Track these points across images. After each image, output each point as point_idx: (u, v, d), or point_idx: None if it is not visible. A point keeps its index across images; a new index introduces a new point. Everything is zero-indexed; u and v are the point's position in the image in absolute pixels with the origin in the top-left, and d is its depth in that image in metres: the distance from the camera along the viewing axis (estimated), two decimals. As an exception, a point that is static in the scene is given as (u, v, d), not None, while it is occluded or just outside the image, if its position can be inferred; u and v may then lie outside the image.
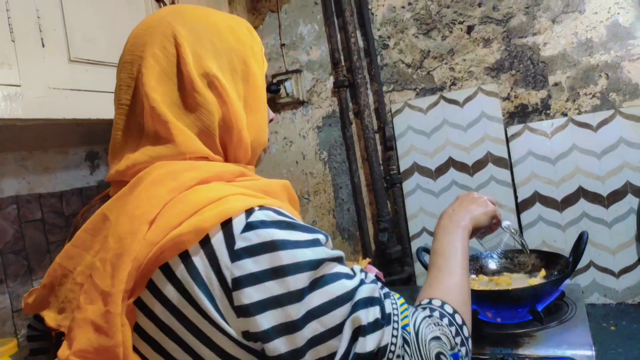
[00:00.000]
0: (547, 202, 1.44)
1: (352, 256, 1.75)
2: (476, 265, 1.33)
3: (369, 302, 0.55)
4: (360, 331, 0.53)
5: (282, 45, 1.78)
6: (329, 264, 0.55)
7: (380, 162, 1.66)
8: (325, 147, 1.76)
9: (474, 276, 1.32)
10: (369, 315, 0.54)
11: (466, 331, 0.62)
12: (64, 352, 0.52)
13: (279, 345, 0.51)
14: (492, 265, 1.32)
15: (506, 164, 1.48)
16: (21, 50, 0.95)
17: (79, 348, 0.51)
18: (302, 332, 0.52)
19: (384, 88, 1.64)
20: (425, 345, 0.57)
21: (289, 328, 0.51)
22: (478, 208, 0.87)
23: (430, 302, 0.64)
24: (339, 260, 0.57)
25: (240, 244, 0.52)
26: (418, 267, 1.61)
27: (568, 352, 0.96)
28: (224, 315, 0.52)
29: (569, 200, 1.42)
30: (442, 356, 0.57)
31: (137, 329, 0.54)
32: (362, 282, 0.56)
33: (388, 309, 0.56)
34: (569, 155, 1.41)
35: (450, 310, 0.63)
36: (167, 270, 0.53)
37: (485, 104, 1.49)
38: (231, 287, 0.51)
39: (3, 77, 0.92)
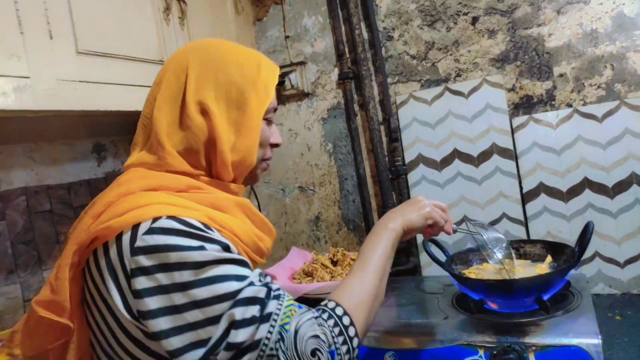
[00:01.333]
0: (552, 192, 1.44)
1: (357, 247, 1.76)
2: (482, 254, 1.33)
3: (250, 301, 0.66)
4: (233, 325, 0.65)
5: (287, 37, 1.78)
6: (220, 266, 0.67)
7: (386, 153, 1.67)
8: (330, 138, 1.77)
9: (478, 265, 1.32)
10: (246, 312, 0.65)
11: (352, 331, 0.71)
12: (34, 299, 0.72)
13: (161, 322, 0.65)
14: (499, 254, 1.33)
15: (511, 155, 1.48)
16: (30, 42, 0.96)
17: (39, 299, 0.71)
18: (182, 315, 0.65)
19: (389, 80, 1.64)
20: (302, 342, 0.67)
21: (172, 310, 0.65)
22: (412, 210, 0.91)
23: (326, 304, 0.74)
24: (234, 262, 0.69)
25: (139, 243, 0.66)
26: (423, 258, 1.61)
27: (575, 341, 0.97)
28: (124, 295, 0.67)
29: (574, 191, 1.42)
30: (317, 352, 0.67)
31: (84, 291, 0.74)
32: (250, 284, 0.68)
33: (270, 309, 0.67)
34: (574, 146, 1.41)
35: (340, 312, 0.72)
36: (95, 254, 0.70)
37: (490, 95, 1.50)
38: (130, 274, 0.66)
39: (12, 68, 0.92)
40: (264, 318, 0.66)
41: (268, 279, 0.73)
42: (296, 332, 0.67)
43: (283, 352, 0.65)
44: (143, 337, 0.68)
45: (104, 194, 0.74)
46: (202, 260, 0.66)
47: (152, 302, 0.65)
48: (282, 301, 0.69)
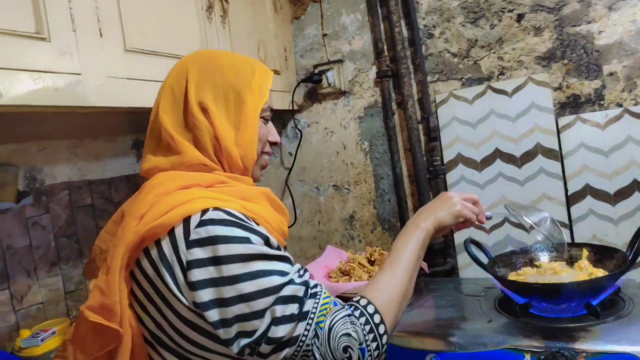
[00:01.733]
0: (599, 195, 1.40)
1: (392, 247, 1.74)
2: (525, 258, 1.30)
3: (289, 299, 0.71)
4: (273, 321, 0.69)
5: (324, 35, 1.77)
6: (263, 261, 0.71)
7: (424, 152, 1.64)
8: (366, 137, 1.75)
9: (518, 270, 1.29)
10: (286, 310, 0.70)
11: (382, 329, 0.75)
12: (83, 306, 0.74)
13: (213, 314, 0.69)
14: (544, 258, 1.29)
15: (556, 155, 1.44)
16: (81, 40, 0.98)
17: (89, 304, 0.73)
18: (230, 308, 0.69)
19: (429, 78, 1.62)
20: (335, 339, 0.71)
21: (221, 303, 0.69)
22: (443, 208, 0.92)
23: (358, 301, 0.77)
24: (276, 258, 0.73)
25: (193, 236, 0.70)
26: (461, 259, 1.59)
27: (629, 349, 0.93)
28: (180, 288, 0.70)
29: (622, 194, 1.37)
30: (349, 349, 0.71)
31: (133, 293, 0.76)
32: (290, 282, 0.72)
33: (307, 307, 0.72)
34: (624, 147, 1.37)
35: (371, 310, 0.76)
36: (147, 253, 0.73)
37: (535, 94, 1.46)
38: (186, 267, 0.70)
39: (65, 66, 0.94)
40: (302, 316, 0.71)
41: (307, 275, 0.77)
42: (330, 329, 0.71)
43: (317, 347, 0.70)
44: (204, 324, 0.71)
45: (137, 199, 0.77)
46: (247, 253, 0.70)
47: (205, 295, 0.69)
48: (319, 299, 0.74)
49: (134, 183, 1.66)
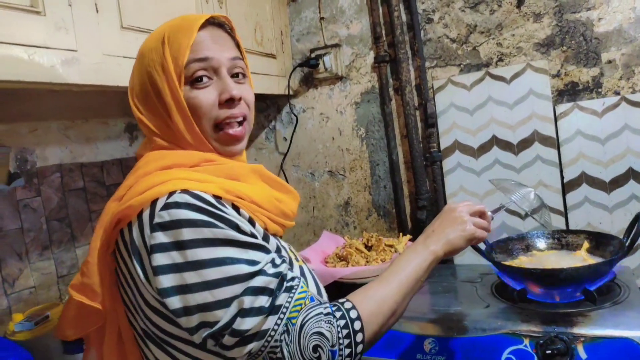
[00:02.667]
0: (595, 183, 1.41)
1: (387, 233, 1.74)
2: (522, 244, 1.31)
3: (260, 291, 0.66)
4: (240, 312, 0.65)
5: (322, 18, 1.75)
6: (230, 247, 0.67)
7: (420, 139, 1.64)
8: (362, 123, 1.74)
9: (515, 258, 1.30)
10: (255, 302, 0.65)
11: (359, 337, 0.70)
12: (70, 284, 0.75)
13: (174, 302, 0.66)
14: (540, 244, 1.30)
15: (553, 143, 1.45)
16: (77, 15, 0.95)
17: (73, 283, 0.75)
18: (193, 295, 0.65)
19: (427, 64, 1.61)
20: (306, 337, 0.66)
21: (184, 289, 0.65)
22: (455, 231, 0.88)
23: (342, 303, 0.73)
24: (247, 246, 0.68)
25: (157, 219, 0.67)
26: (456, 246, 1.59)
27: (627, 333, 0.94)
28: (146, 272, 0.68)
29: (617, 182, 1.38)
30: (319, 349, 0.66)
31: (117, 274, 0.75)
32: (261, 272, 0.67)
33: (279, 301, 0.67)
34: (620, 136, 1.37)
35: (354, 315, 0.71)
36: (122, 235, 0.72)
37: (533, 81, 1.45)
38: (149, 251, 0.67)
39: (61, 41, 0.91)
40: (273, 310, 0.66)
41: (283, 266, 0.71)
42: (302, 326, 0.67)
43: (287, 344, 0.66)
44: (170, 312, 0.68)
45: (124, 181, 0.76)
46: (213, 237, 0.66)
47: (166, 280, 0.66)
48: (294, 293, 0.69)
49: (126, 166, 1.63)
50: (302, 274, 0.78)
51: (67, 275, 1.44)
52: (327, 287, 0.93)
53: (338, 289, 1.25)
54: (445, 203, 1.60)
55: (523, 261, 1.26)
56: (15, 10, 0.83)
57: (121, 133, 1.63)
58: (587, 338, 0.97)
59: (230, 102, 0.76)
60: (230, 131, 0.78)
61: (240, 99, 0.77)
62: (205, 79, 0.76)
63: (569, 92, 1.45)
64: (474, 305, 1.19)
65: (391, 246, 1.45)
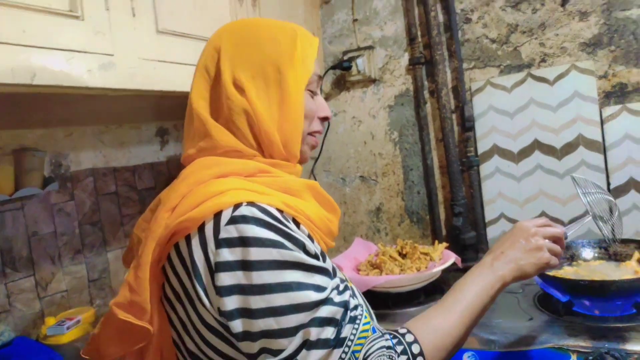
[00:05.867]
0: (645, 189, 1.34)
1: (420, 240, 1.69)
2: (566, 253, 1.25)
3: (326, 322, 0.62)
4: (306, 344, 0.61)
5: (355, 20, 1.72)
6: (298, 271, 0.63)
7: (457, 143, 1.59)
8: (396, 127, 1.70)
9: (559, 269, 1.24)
10: (322, 333, 0.62)
11: None
12: (112, 301, 0.68)
13: (237, 325, 0.62)
14: (587, 254, 1.24)
15: (599, 147, 1.38)
16: (114, 20, 0.94)
17: (118, 301, 0.67)
18: (257, 321, 0.61)
19: (464, 65, 1.56)
20: None
21: (248, 313, 0.61)
22: (529, 258, 0.80)
23: (403, 335, 0.68)
24: (314, 269, 0.64)
25: (222, 234, 0.63)
26: (494, 255, 1.53)
27: (689, 352, 0.88)
28: (207, 291, 0.64)
29: (670, 189, 1.31)
30: None
31: (163, 289, 0.70)
32: (328, 301, 0.63)
33: (345, 333, 0.63)
34: (673, 140, 1.30)
35: (416, 351, 0.66)
36: (177, 249, 0.67)
37: (578, 83, 1.39)
38: (214, 269, 0.63)
39: (99, 46, 0.90)
40: (338, 342, 0.62)
41: (346, 294, 0.68)
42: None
43: None
44: (229, 335, 0.65)
45: (172, 188, 0.71)
46: (281, 259, 0.62)
47: (230, 303, 0.62)
48: (359, 325, 0.65)
49: (157, 171, 1.63)
50: (354, 294, 0.73)
51: (98, 280, 1.44)
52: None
53: (371, 298, 1.21)
54: (482, 210, 1.55)
55: (568, 272, 1.20)
56: (55, 15, 0.83)
57: (152, 137, 1.63)
58: (642, 356, 0.91)
59: (325, 120, 0.82)
60: (318, 138, 0.83)
61: None
62: (315, 94, 0.81)
63: (616, 94, 1.38)
64: (516, 317, 1.14)
65: (426, 254, 1.40)
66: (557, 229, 0.86)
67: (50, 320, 1.24)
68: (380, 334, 0.67)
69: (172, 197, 0.68)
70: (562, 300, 1.10)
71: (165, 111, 1.58)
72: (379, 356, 0.64)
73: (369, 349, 0.64)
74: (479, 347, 1.07)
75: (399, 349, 0.66)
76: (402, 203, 1.72)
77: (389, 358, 0.64)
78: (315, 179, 1.85)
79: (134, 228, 0.77)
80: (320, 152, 1.82)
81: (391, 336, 0.67)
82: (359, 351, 0.63)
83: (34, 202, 1.28)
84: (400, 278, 1.29)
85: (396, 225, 1.74)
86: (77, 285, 1.39)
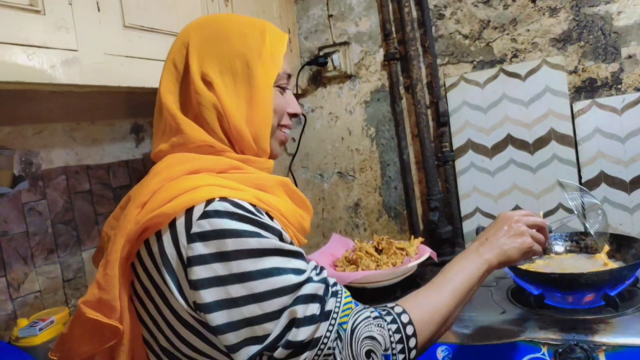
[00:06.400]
0: (614, 182, 1.36)
1: (398, 235, 1.70)
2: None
3: (310, 298, 0.64)
4: (294, 322, 0.62)
5: (330, 16, 1.71)
6: (276, 257, 0.64)
7: (432, 138, 1.60)
8: (372, 122, 1.70)
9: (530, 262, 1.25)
10: (307, 310, 0.63)
11: (412, 342, 0.67)
12: (80, 300, 0.67)
13: (218, 317, 0.61)
14: (558, 248, 1.26)
15: (570, 141, 1.40)
16: (78, 14, 0.92)
17: (86, 299, 0.67)
18: (239, 309, 0.61)
19: (438, 61, 1.56)
20: (357, 342, 0.64)
21: (229, 303, 0.61)
22: (512, 243, 0.84)
23: (392, 308, 0.70)
24: (292, 254, 0.66)
25: (195, 229, 0.63)
26: (470, 249, 1.54)
27: (653, 342, 0.90)
28: (180, 286, 0.63)
29: (639, 182, 1.33)
30: (372, 354, 0.64)
31: (132, 287, 0.69)
32: (309, 280, 0.65)
33: (329, 306, 0.65)
34: (641, 133, 1.32)
35: (405, 320, 0.68)
36: (147, 245, 0.66)
37: (549, 78, 1.41)
38: (186, 263, 0.62)
39: (61, 41, 0.89)
40: (324, 316, 0.64)
41: (324, 272, 0.70)
42: (353, 330, 0.65)
43: (339, 351, 0.64)
44: (204, 330, 0.65)
45: (142, 184, 0.70)
46: (259, 247, 0.63)
47: (208, 295, 0.62)
48: (341, 298, 0.67)
49: (133, 168, 1.61)
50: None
51: (73, 279, 1.42)
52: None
53: (348, 294, 1.22)
54: (458, 204, 1.56)
55: (540, 265, 1.22)
56: (14, 9, 0.81)
57: (127, 134, 1.61)
58: (609, 346, 0.93)
59: (294, 116, 0.83)
60: (287, 133, 0.83)
61: None
62: (285, 90, 0.81)
63: (586, 89, 1.40)
64: (489, 310, 1.15)
65: (402, 249, 1.41)
66: (539, 219, 0.89)
67: (23, 322, 1.22)
68: (363, 306, 0.70)
69: (142, 193, 0.67)
70: (535, 293, 1.12)
71: (140, 108, 1.56)
72: (367, 325, 0.66)
73: (356, 319, 0.66)
74: (452, 340, 1.08)
75: (388, 318, 0.68)
76: (379, 198, 1.73)
77: (378, 326, 0.66)
78: (293, 176, 1.85)
79: (104, 226, 0.77)
80: (297, 148, 1.82)
81: (378, 309, 0.70)
82: (346, 322, 0.65)
83: (4, 201, 1.25)
84: (376, 273, 1.30)
85: (374, 220, 1.75)
86: (51, 286, 1.37)
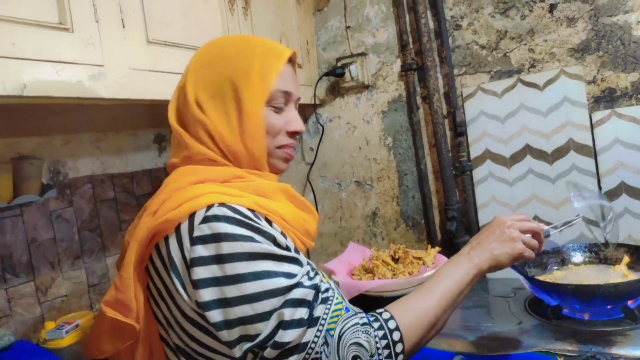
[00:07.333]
0: (635, 193, 1.34)
1: (416, 244, 1.70)
2: (557, 258, 1.26)
3: (298, 303, 0.67)
4: (281, 325, 0.66)
5: (347, 27, 1.74)
6: (268, 261, 0.68)
7: (449, 148, 1.60)
8: (390, 132, 1.72)
9: (550, 273, 1.24)
10: (295, 314, 0.67)
11: (399, 347, 0.70)
12: (102, 300, 0.74)
13: (215, 315, 0.67)
14: (577, 259, 1.25)
15: (590, 152, 1.38)
16: (104, 31, 0.96)
17: (106, 299, 0.74)
18: (233, 309, 0.66)
19: (455, 71, 1.57)
20: (344, 348, 0.67)
21: (224, 303, 0.66)
22: (503, 248, 0.84)
23: (380, 314, 0.73)
24: (284, 259, 0.69)
25: (196, 232, 0.68)
26: (487, 259, 1.54)
27: (672, 355, 0.88)
28: (185, 285, 0.69)
29: (660, 192, 1.31)
30: (358, 359, 0.67)
31: (148, 289, 0.75)
32: (298, 285, 0.68)
33: (318, 313, 0.68)
34: (662, 143, 1.30)
35: (392, 326, 0.71)
36: (158, 249, 0.72)
37: (568, 88, 1.40)
38: (189, 264, 0.68)
39: (88, 57, 0.93)
40: (312, 321, 0.67)
41: (317, 278, 0.72)
42: (340, 337, 0.68)
43: (327, 355, 0.67)
44: (210, 326, 0.69)
45: (155, 195, 0.77)
46: (252, 251, 0.67)
47: (207, 294, 0.67)
48: (330, 305, 0.70)
49: (155, 177, 1.66)
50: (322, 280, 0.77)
51: (97, 285, 1.46)
52: (352, 301, 0.91)
53: (364, 302, 1.23)
54: (475, 214, 1.56)
55: (558, 276, 1.21)
56: (45, 27, 0.86)
57: (150, 144, 1.66)
58: (627, 359, 0.92)
59: (296, 134, 0.84)
60: (290, 152, 0.85)
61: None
62: (281, 110, 0.82)
63: (606, 99, 1.38)
64: (506, 321, 1.15)
65: (419, 259, 1.42)
66: (533, 224, 0.90)
67: (50, 325, 1.27)
68: (354, 312, 0.72)
69: (154, 203, 0.75)
70: (552, 304, 1.11)
71: (162, 119, 1.59)
72: (354, 332, 0.69)
73: (344, 326, 0.69)
74: (468, 351, 1.08)
75: (376, 324, 0.70)
76: (397, 208, 1.74)
77: (365, 333, 0.69)
78: (311, 185, 1.87)
79: (125, 235, 0.83)
80: (315, 157, 1.84)
81: (368, 315, 0.73)
82: (334, 329, 0.68)
83: (33, 209, 1.31)
84: (392, 282, 1.30)
85: (392, 229, 1.75)
86: (76, 290, 1.42)
